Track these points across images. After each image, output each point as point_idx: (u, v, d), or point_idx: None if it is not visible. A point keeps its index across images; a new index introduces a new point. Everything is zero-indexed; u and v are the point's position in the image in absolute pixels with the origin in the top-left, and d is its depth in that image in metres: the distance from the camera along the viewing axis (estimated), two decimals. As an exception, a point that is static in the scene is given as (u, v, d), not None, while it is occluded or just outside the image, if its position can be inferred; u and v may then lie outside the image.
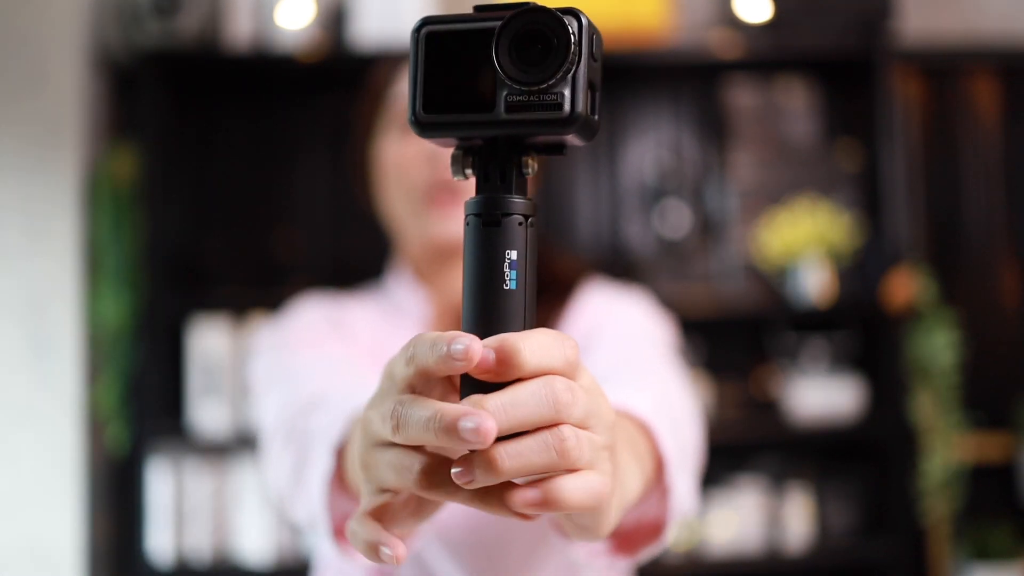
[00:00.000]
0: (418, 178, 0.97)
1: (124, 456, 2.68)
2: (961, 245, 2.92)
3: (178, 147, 2.84)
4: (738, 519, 2.58)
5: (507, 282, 0.44)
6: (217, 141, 2.88)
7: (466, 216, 0.45)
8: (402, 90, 1.00)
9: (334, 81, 2.85)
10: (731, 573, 2.79)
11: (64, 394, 2.53)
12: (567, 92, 0.42)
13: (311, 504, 0.76)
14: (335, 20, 2.74)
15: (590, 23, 0.42)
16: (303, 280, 2.83)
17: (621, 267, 2.69)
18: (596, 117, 0.44)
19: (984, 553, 2.58)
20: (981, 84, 2.95)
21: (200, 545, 2.54)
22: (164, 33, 2.57)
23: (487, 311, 0.44)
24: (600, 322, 1.00)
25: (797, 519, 2.58)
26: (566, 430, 0.43)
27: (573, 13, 0.42)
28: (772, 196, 2.69)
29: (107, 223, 2.53)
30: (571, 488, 0.45)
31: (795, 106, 2.76)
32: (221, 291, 2.72)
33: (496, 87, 0.43)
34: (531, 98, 0.43)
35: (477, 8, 0.44)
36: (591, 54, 0.43)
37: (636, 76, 2.89)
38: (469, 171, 0.46)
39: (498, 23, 0.43)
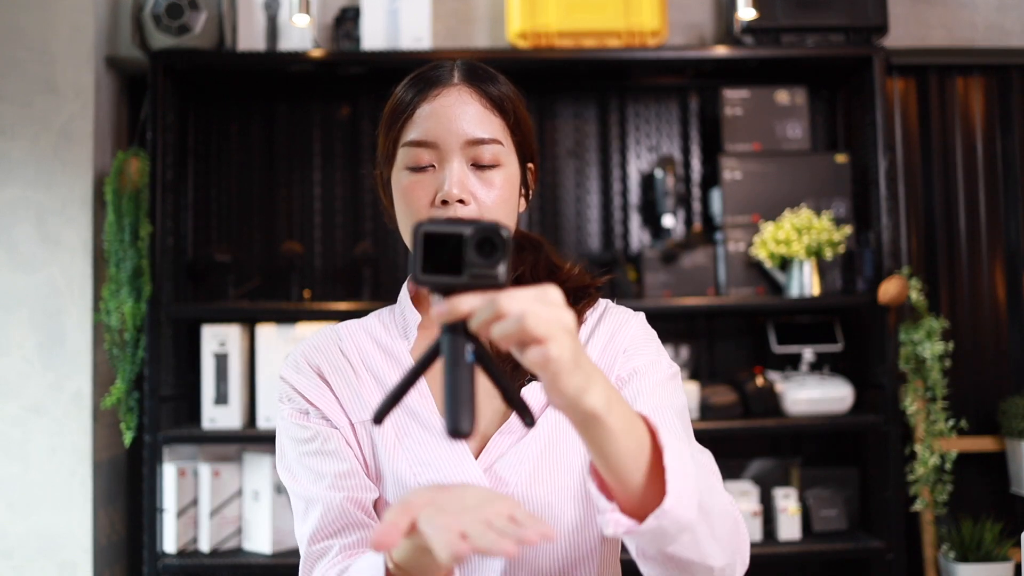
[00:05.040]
0: (422, 210, 1.05)
1: (135, 453, 2.72)
2: (950, 248, 2.97)
3: (189, 152, 2.88)
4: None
5: (467, 356, 0.74)
6: (228, 146, 2.92)
7: (443, 332, 0.75)
8: (412, 124, 1.06)
9: (342, 87, 2.90)
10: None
11: (76, 392, 2.57)
12: (502, 269, 0.74)
13: None
14: (343, 28, 2.77)
15: (510, 234, 0.75)
16: (311, 281, 2.87)
17: (621, 267, 2.73)
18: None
19: (973, 548, 2.61)
20: (970, 92, 3.01)
21: (209, 540, 2.59)
22: (175, 39, 2.60)
23: (458, 373, 0.73)
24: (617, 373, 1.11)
25: (788, 514, 2.63)
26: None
27: (503, 231, 0.74)
28: (766, 200, 2.74)
29: (118, 225, 2.55)
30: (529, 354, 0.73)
31: (789, 112, 2.81)
32: (231, 291, 2.76)
33: (464, 263, 0.74)
34: (483, 271, 0.74)
35: (448, 220, 0.76)
36: (511, 249, 0.75)
37: (635, 82, 2.94)
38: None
39: (464, 229, 0.74)
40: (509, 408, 0.79)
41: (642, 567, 0.92)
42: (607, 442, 0.80)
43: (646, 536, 0.83)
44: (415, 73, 1.10)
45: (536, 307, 0.72)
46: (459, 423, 0.71)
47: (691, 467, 0.86)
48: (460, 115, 1.04)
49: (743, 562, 0.96)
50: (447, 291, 0.75)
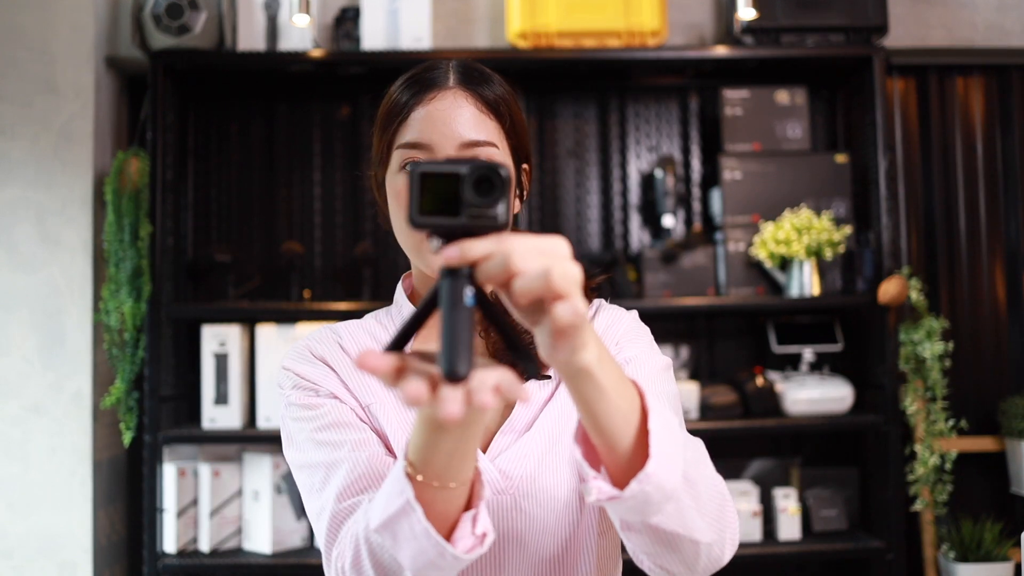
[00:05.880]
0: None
1: (135, 453, 2.72)
2: (950, 249, 2.97)
3: (189, 152, 2.88)
4: (733, 514, 2.62)
5: (466, 300, 0.70)
6: (228, 146, 2.92)
7: (441, 276, 0.71)
8: (406, 127, 1.06)
9: (342, 87, 2.90)
10: (724, 566, 2.84)
11: (76, 392, 2.57)
12: (501, 209, 0.71)
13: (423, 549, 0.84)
14: (342, 28, 2.77)
15: (509, 173, 0.72)
16: (311, 282, 2.87)
17: (621, 267, 2.73)
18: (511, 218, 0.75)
19: (973, 548, 2.61)
20: (970, 92, 3.00)
21: (209, 540, 2.59)
22: (175, 39, 2.60)
23: (455, 313, 0.70)
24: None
25: (788, 514, 2.63)
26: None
27: (503, 168, 0.71)
28: (766, 200, 2.74)
29: (118, 225, 2.55)
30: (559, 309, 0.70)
31: (789, 112, 2.81)
32: (231, 291, 2.76)
33: (461, 204, 0.71)
34: (482, 212, 0.71)
35: (447, 160, 0.72)
36: (510, 188, 0.72)
37: (635, 82, 2.94)
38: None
39: (461, 168, 0.71)
40: (512, 357, 0.75)
41: (627, 541, 0.91)
42: (597, 399, 0.79)
43: (629, 503, 0.82)
44: (410, 74, 1.10)
45: (556, 262, 0.71)
46: (456, 365, 0.67)
47: (678, 436, 0.86)
48: (455, 118, 1.05)
49: (732, 543, 0.95)
50: (446, 234, 0.72)
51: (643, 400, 0.84)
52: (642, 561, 0.93)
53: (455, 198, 0.71)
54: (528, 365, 0.74)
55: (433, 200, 0.71)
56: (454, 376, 0.67)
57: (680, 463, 0.84)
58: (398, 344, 0.73)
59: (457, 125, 1.04)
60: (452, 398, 0.67)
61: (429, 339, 1.09)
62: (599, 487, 0.83)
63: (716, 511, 0.91)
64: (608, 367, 0.80)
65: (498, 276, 0.71)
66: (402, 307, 1.16)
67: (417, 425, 0.82)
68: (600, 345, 0.79)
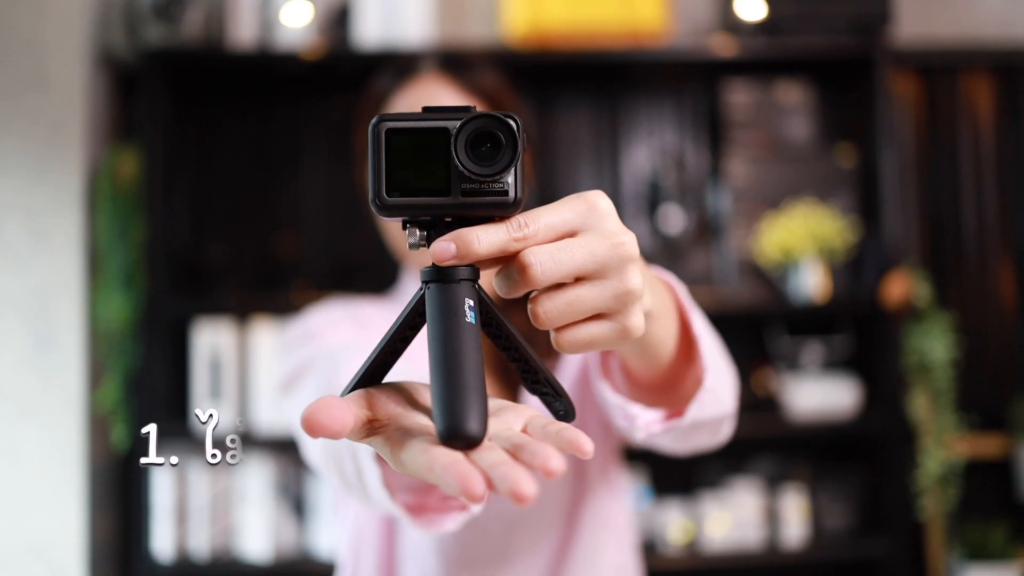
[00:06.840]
0: None
1: (127, 455, 2.69)
2: (957, 246, 2.94)
3: (181, 148, 2.84)
4: (736, 516, 2.59)
5: (468, 317, 0.49)
6: (220, 142, 2.88)
7: (425, 282, 0.51)
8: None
9: (337, 83, 2.86)
10: (729, 570, 2.81)
11: (68, 393, 2.54)
12: (511, 180, 0.51)
13: (382, 502, 0.76)
14: (337, 22, 2.74)
15: (522, 124, 0.51)
16: (305, 280, 2.84)
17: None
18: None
19: (980, 551, 2.59)
20: (977, 86, 2.97)
21: (202, 544, 2.55)
22: (167, 34, 2.57)
23: (454, 340, 0.48)
24: None
25: (794, 516, 2.60)
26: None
27: (512, 117, 0.51)
28: (769, 197, 2.70)
29: (110, 223, 2.53)
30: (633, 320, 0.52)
31: (792, 107, 2.77)
32: (224, 290, 2.72)
33: (451, 175, 0.50)
34: (482, 186, 0.50)
35: (425, 109, 0.52)
36: (524, 149, 0.51)
37: (636, 77, 2.90)
38: (424, 244, 0.52)
39: (449, 123, 0.50)
40: (543, 399, 0.56)
41: (659, 438, 0.88)
42: (649, 330, 0.69)
43: (686, 423, 0.79)
44: (391, 66, 1.09)
45: (622, 253, 0.51)
46: (463, 420, 0.45)
47: (708, 330, 0.85)
48: (438, 101, 1.02)
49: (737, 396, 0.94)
50: (430, 223, 0.52)
51: (678, 299, 0.81)
52: (667, 447, 0.92)
53: (442, 166, 0.51)
54: (565, 407, 0.55)
55: (409, 171, 0.51)
56: (463, 439, 0.45)
57: (719, 358, 0.82)
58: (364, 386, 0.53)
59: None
60: (472, 475, 0.43)
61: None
62: (648, 423, 0.79)
63: (732, 379, 0.90)
64: (654, 295, 0.66)
65: (529, 281, 0.49)
66: (408, 288, 1.12)
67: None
68: (646, 276, 0.62)
